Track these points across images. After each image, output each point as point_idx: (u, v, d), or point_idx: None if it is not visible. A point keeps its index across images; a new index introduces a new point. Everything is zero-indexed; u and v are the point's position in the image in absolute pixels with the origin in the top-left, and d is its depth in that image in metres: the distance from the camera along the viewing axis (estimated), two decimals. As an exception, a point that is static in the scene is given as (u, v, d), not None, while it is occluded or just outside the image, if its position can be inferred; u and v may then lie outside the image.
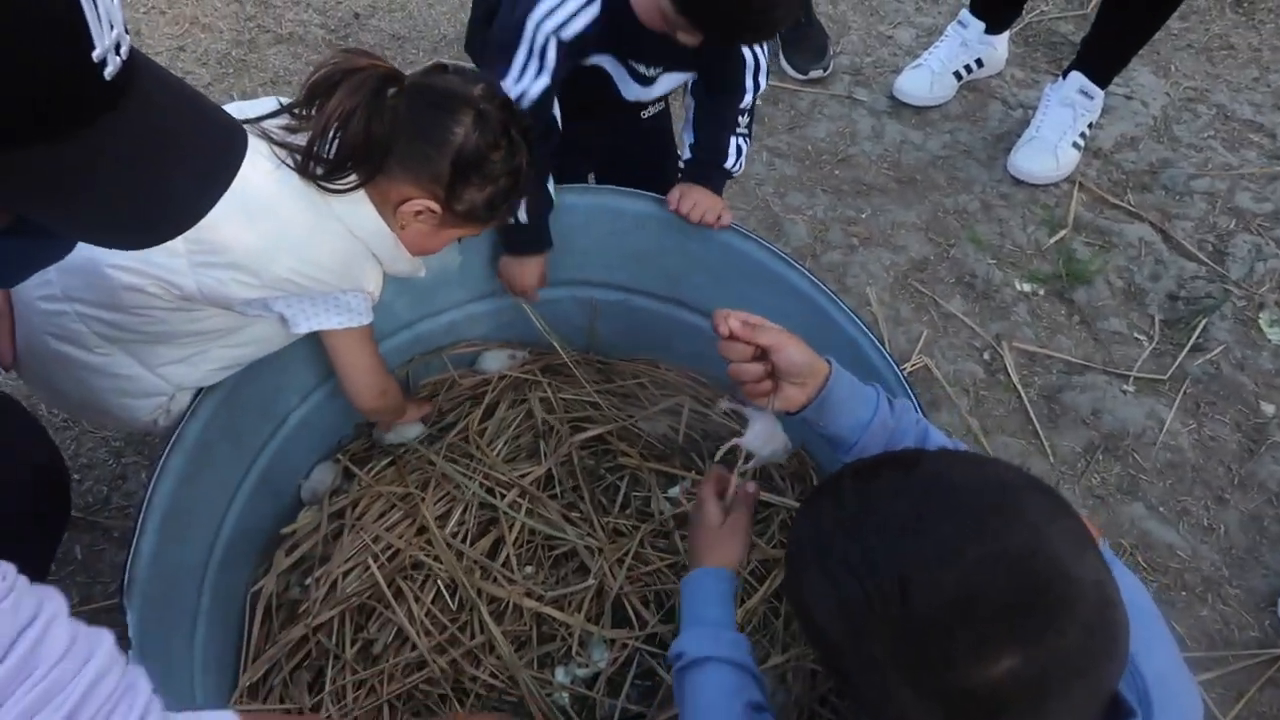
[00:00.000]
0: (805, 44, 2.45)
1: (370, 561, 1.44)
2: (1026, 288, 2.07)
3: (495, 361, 1.67)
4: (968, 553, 0.67)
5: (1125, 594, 0.71)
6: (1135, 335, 2.00)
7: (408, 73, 1.14)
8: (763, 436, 1.07)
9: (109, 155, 0.65)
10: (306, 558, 1.49)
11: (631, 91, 1.48)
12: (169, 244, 1.07)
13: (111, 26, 0.61)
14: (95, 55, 0.60)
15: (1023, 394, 1.88)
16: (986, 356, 1.95)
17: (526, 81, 1.31)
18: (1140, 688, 0.77)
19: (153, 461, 1.26)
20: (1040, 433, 1.82)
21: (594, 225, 1.53)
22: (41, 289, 1.14)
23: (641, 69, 1.44)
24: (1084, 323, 2.02)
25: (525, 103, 1.30)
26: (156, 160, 0.69)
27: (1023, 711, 0.65)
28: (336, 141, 1.07)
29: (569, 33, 1.29)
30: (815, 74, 2.44)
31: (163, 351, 1.20)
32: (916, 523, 0.69)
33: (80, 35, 0.59)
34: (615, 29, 1.31)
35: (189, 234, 1.07)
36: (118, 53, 0.63)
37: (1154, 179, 2.30)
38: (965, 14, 2.39)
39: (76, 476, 1.63)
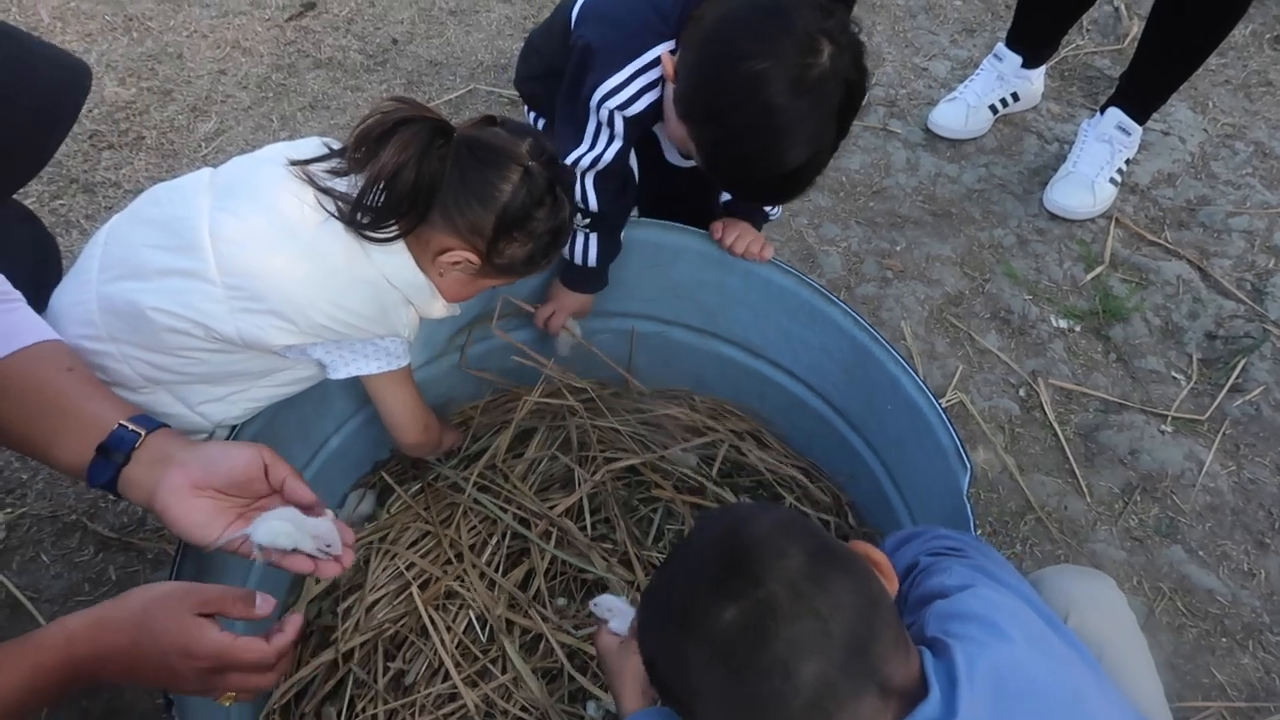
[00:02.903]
0: (840, 75, 2.45)
1: (413, 591, 1.44)
2: (1063, 324, 2.05)
3: (564, 347, 1.64)
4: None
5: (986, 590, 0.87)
6: (1173, 374, 1.98)
7: (445, 98, 1.14)
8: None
9: None
10: (338, 583, 1.49)
11: (674, 156, 1.50)
12: (208, 289, 1.10)
13: None
14: None
15: (1059, 432, 1.86)
16: (1022, 393, 1.93)
17: (600, 148, 1.35)
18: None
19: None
20: (1077, 472, 1.80)
21: (633, 258, 1.53)
22: (85, 328, 1.15)
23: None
24: (1121, 360, 2.00)
25: (601, 165, 1.35)
26: None
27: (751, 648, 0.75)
28: (385, 193, 1.08)
29: (631, 112, 1.31)
30: (850, 105, 2.44)
31: (203, 390, 1.21)
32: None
33: None
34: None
35: (229, 280, 1.10)
36: None
37: (1192, 216, 2.28)
38: (1001, 47, 2.39)
39: (111, 497, 1.63)
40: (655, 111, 1.33)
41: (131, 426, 1.00)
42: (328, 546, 1.00)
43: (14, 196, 1.46)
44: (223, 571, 1.22)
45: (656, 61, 1.28)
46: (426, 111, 1.11)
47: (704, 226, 1.50)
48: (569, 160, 1.37)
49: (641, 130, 1.37)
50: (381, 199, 1.09)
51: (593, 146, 1.35)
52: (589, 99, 1.31)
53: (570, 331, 1.57)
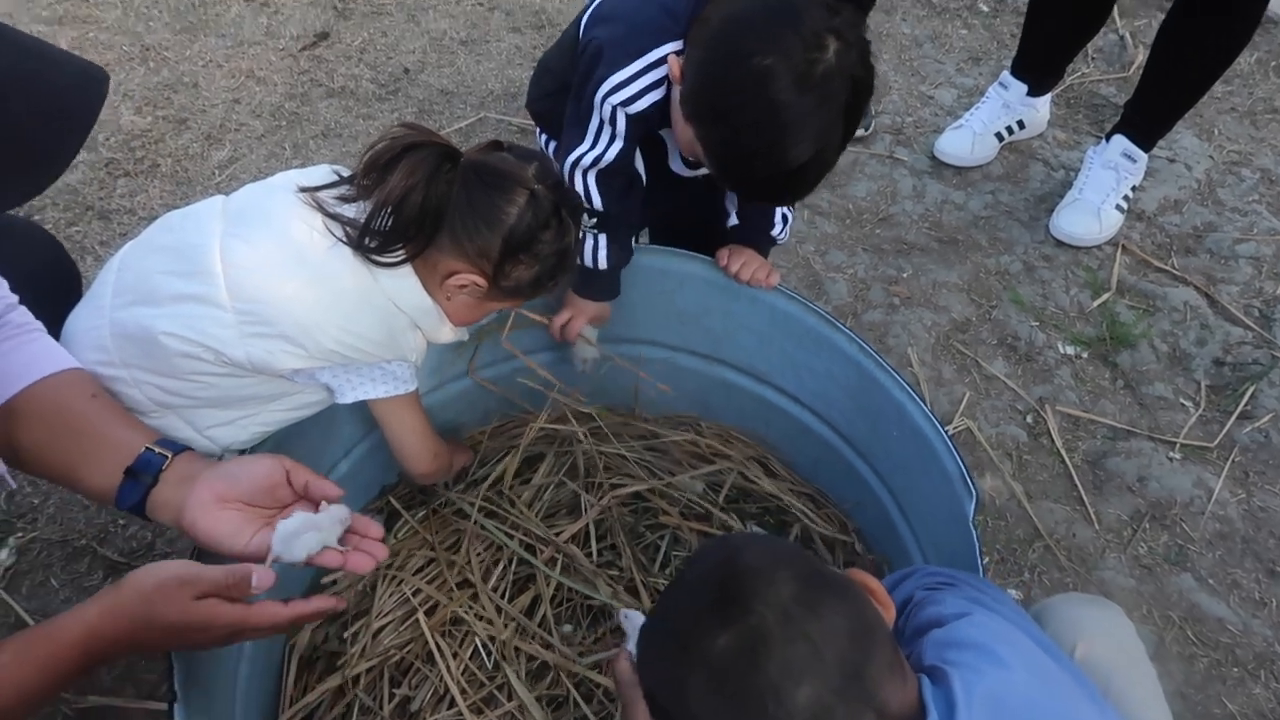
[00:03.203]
0: (847, 103, 2.47)
1: (419, 618, 1.44)
2: (1070, 350, 2.05)
3: (582, 358, 1.63)
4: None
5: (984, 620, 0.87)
6: (1181, 401, 1.98)
7: (456, 126, 1.16)
8: None
9: None
10: (345, 609, 1.49)
11: (678, 165, 1.51)
12: (219, 314, 1.12)
13: None
14: None
15: (1067, 459, 1.85)
16: (1029, 420, 1.93)
17: (601, 147, 1.36)
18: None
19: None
20: (1085, 499, 1.80)
21: (640, 284, 1.54)
22: (98, 353, 1.17)
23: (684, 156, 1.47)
24: (1128, 387, 2.00)
25: (603, 164, 1.35)
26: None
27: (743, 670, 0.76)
28: (392, 217, 1.10)
29: (634, 109, 1.32)
30: (856, 133, 2.45)
31: (212, 414, 1.22)
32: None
33: None
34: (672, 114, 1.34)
35: (240, 304, 1.11)
36: None
37: (1198, 242, 2.29)
38: (1007, 75, 2.41)
39: (121, 522, 1.65)
40: (659, 112, 1.33)
41: (158, 449, 1.03)
42: (345, 520, 1.03)
43: (35, 220, 1.49)
44: None
45: (663, 60, 1.29)
46: (434, 137, 1.13)
47: (710, 250, 1.51)
48: (571, 158, 1.38)
49: (644, 131, 1.37)
50: (389, 223, 1.11)
51: (594, 144, 1.36)
52: (594, 94, 1.32)
53: (588, 340, 1.56)
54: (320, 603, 1.00)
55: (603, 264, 1.44)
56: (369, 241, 1.11)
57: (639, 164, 1.44)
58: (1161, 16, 2.11)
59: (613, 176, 1.39)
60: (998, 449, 1.87)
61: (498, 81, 2.57)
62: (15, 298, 1.11)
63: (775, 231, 1.55)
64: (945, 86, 2.68)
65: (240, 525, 1.00)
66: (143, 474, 1.02)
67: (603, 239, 1.43)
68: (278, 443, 1.31)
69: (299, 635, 1.43)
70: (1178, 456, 1.87)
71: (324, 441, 1.44)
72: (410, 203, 1.09)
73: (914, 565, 1.38)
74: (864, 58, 1.17)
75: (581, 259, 1.45)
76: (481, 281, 1.17)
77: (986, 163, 2.44)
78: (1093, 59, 2.76)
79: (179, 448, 1.05)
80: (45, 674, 0.89)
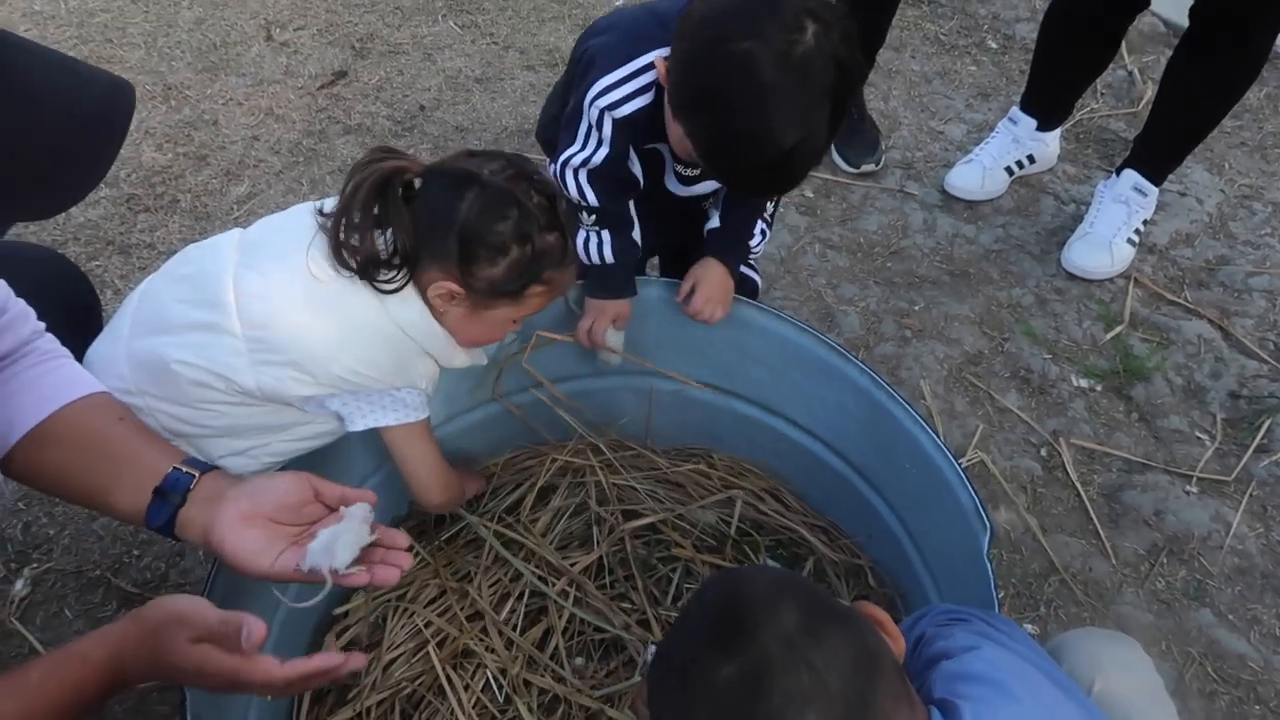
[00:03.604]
0: (857, 139, 2.49)
1: (431, 650, 1.44)
2: (1083, 383, 2.05)
3: (615, 338, 1.59)
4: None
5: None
6: (1197, 434, 1.96)
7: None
8: None
9: None
10: (356, 640, 1.49)
11: (674, 184, 1.52)
12: (230, 342, 1.13)
13: None
14: None
15: (1082, 492, 1.84)
16: (1044, 453, 1.92)
17: (589, 150, 1.38)
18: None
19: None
20: (1101, 533, 1.78)
21: (651, 316, 1.55)
22: (115, 382, 1.18)
23: (679, 167, 1.49)
24: (1143, 420, 1.99)
25: (591, 165, 1.38)
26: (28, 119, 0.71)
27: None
28: (393, 241, 1.12)
29: (620, 114, 1.34)
30: (867, 168, 2.48)
31: (224, 444, 1.23)
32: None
33: None
34: (663, 123, 1.35)
35: (250, 332, 1.13)
36: None
37: (1211, 276, 2.28)
38: (1016, 111, 2.43)
39: (136, 553, 1.65)
40: (647, 118, 1.35)
41: (185, 469, 1.04)
42: (369, 515, 1.03)
43: (60, 252, 1.52)
44: (252, 598, 1.24)
45: (651, 66, 1.31)
46: (396, 156, 1.14)
47: None
48: (562, 158, 1.40)
49: (631, 139, 1.39)
50: (390, 248, 1.13)
51: (583, 147, 1.38)
52: (584, 98, 1.34)
53: (612, 349, 1.54)
54: (322, 660, 0.97)
55: (609, 259, 1.45)
56: (371, 269, 1.13)
57: (636, 169, 1.45)
58: (1169, 53, 2.14)
59: (602, 178, 1.41)
60: (1012, 482, 1.86)
61: (512, 118, 2.61)
62: (43, 325, 1.13)
63: (754, 243, 1.55)
64: (955, 122, 2.70)
65: (265, 544, 1.00)
66: (171, 493, 1.03)
67: (605, 235, 1.44)
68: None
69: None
70: (1194, 490, 1.86)
71: (337, 474, 1.44)
72: (390, 224, 1.11)
73: (930, 605, 1.38)
74: (847, 39, 1.17)
75: (589, 257, 1.46)
76: (456, 287, 1.15)
77: (997, 197, 2.45)
78: (1102, 94, 2.78)
79: (206, 466, 1.06)
80: (76, 696, 0.89)
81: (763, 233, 1.58)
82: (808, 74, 1.14)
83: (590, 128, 1.37)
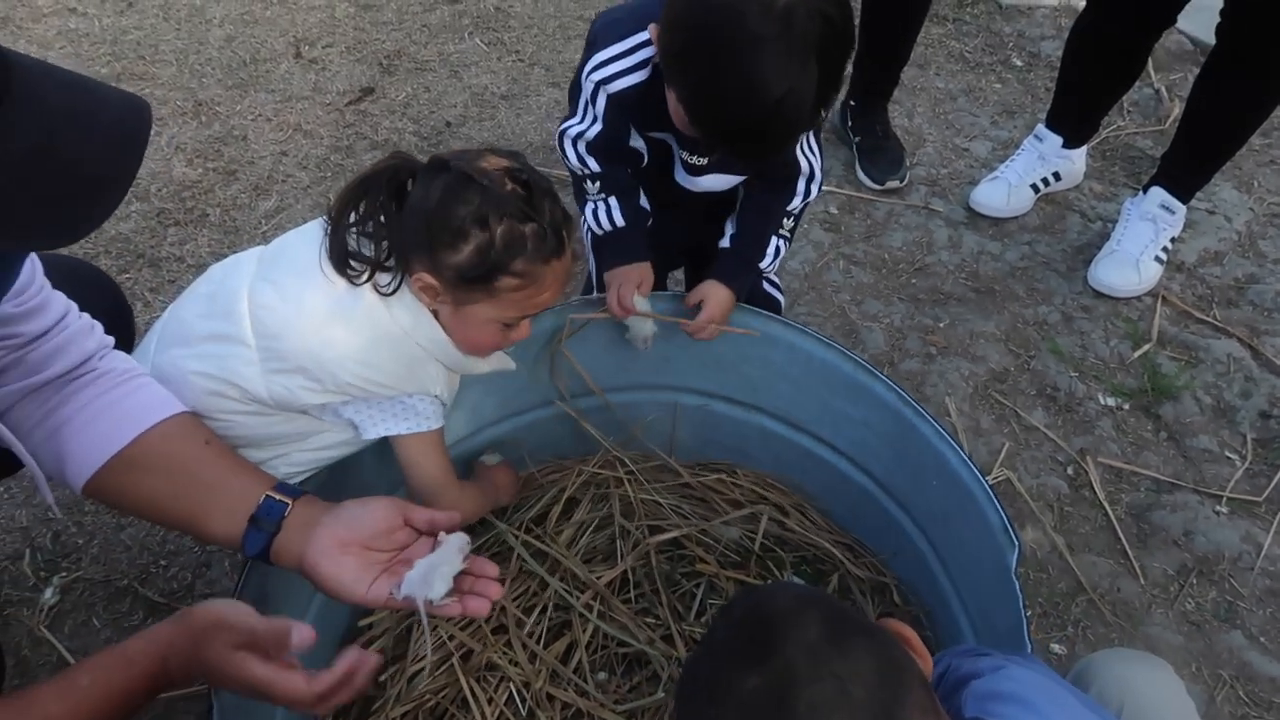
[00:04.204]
0: (881, 156, 2.49)
1: (454, 663, 1.43)
2: (1111, 402, 2.03)
3: (644, 304, 1.55)
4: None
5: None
6: (1227, 454, 1.94)
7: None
8: None
9: None
10: (381, 653, 1.49)
11: (681, 177, 1.52)
12: (243, 351, 1.14)
13: None
14: None
15: (1110, 512, 1.82)
16: (1070, 471, 1.90)
17: (586, 123, 1.43)
18: None
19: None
20: (1129, 553, 1.76)
21: (676, 331, 1.55)
22: None
23: (685, 155, 1.49)
24: (1172, 439, 1.97)
25: (587, 138, 1.42)
26: (54, 140, 0.72)
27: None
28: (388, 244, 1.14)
29: (613, 88, 1.37)
30: (892, 184, 2.48)
31: (244, 454, 1.24)
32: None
33: None
34: (662, 106, 1.34)
35: (262, 341, 1.14)
36: None
37: (1240, 294, 2.26)
38: (1042, 128, 2.42)
39: (163, 563, 1.67)
40: (639, 97, 1.36)
41: (278, 496, 1.06)
42: (465, 546, 1.04)
43: (97, 266, 1.54)
44: (283, 601, 1.25)
45: (647, 42, 1.33)
46: (404, 159, 1.16)
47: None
48: (562, 127, 1.45)
49: (626, 117, 1.41)
50: (385, 250, 1.14)
51: (581, 120, 1.43)
52: (581, 71, 1.39)
53: (644, 313, 1.51)
54: (347, 663, 0.97)
55: (620, 222, 1.48)
56: (373, 274, 1.15)
57: (640, 145, 1.47)
58: (1196, 71, 2.13)
59: (599, 151, 1.45)
60: (1038, 500, 1.84)
61: (537, 134, 2.63)
62: (111, 340, 1.14)
63: (765, 263, 1.55)
64: (980, 139, 2.69)
65: (360, 572, 1.01)
66: (265, 521, 1.04)
67: (613, 200, 1.48)
68: (315, 488, 1.33)
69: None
70: (1225, 510, 1.83)
71: (360, 487, 1.45)
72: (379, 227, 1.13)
73: (955, 623, 1.37)
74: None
75: (600, 226, 1.49)
76: (430, 279, 1.14)
77: (1023, 214, 2.44)
78: (1128, 112, 2.77)
79: (297, 492, 1.07)
80: (123, 698, 0.90)
81: (777, 250, 1.57)
82: (789, 26, 1.13)
83: (587, 102, 1.41)
